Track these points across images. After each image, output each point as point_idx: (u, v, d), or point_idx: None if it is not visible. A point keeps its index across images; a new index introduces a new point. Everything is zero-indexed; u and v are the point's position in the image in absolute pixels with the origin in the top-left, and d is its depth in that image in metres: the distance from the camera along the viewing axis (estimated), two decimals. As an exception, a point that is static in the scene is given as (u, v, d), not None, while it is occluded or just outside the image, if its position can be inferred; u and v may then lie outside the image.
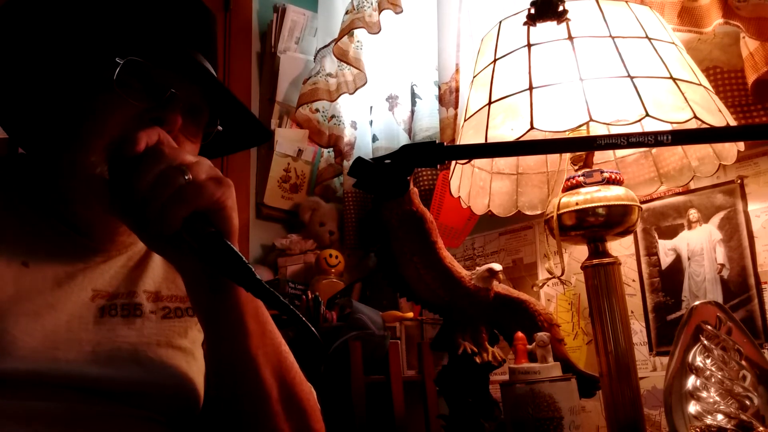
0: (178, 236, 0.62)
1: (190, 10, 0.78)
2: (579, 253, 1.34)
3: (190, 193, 0.61)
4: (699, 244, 1.24)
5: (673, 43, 1.05)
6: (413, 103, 1.82)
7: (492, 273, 1.01)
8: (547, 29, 1.02)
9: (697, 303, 0.98)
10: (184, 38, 0.76)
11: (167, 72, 0.72)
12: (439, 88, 1.65)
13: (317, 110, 2.05)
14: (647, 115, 0.91)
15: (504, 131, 0.99)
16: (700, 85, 1.01)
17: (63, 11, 0.73)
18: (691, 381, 0.93)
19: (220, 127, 0.80)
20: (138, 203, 0.61)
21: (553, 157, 1.25)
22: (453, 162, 1.22)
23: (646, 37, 1.02)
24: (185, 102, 0.72)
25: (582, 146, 0.91)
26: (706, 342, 0.93)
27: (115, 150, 0.66)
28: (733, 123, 1.01)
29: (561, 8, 0.96)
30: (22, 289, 0.67)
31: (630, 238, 1.32)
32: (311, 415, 0.76)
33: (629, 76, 0.96)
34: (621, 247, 1.33)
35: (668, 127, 0.93)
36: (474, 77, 1.16)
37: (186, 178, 0.61)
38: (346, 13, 1.86)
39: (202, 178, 0.62)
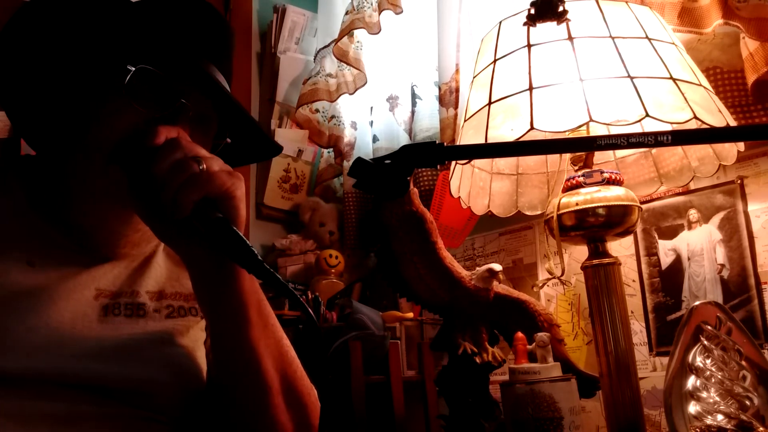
0: (187, 222, 0.65)
1: (206, 20, 0.78)
2: (579, 253, 1.34)
3: (203, 180, 0.64)
4: (699, 244, 1.24)
5: (673, 43, 1.05)
6: (414, 104, 1.82)
7: (492, 273, 1.01)
8: (547, 29, 1.02)
9: (697, 303, 0.98)
10: (198, 49, 0.76)
11: (178, 82, 0.72)
12: (440, 89, 1.65)
13: (317, 110, 2.05)
14: (647, 115, 0.91)
15: (504, 131, 0.99)
16: (700, 85, 1.01)
17: (78, 17, 0.74)
18: (691, 381, 0.93)
19: (228, 140, 0.81)
20: (153, 189, 0.65)
21: (553, 158, 1.25)
22: (453, 162, 1.22)
23: (646, 37, 1.02)
24: (194, 112, 0.73)
25: (582, 146, 0.91)
26: (706, 342, 0.93)
27: (135, 140, 0.68)
28: (733, 123, 1.01)
29: (561, 8, 0.96)
30: (27, 288, 0.68)
31: (630, 238, 1.32)
32: (311, 410, 0.77)
33: (629, 76, 0.96)
34: (621, 248, 1.34)
35: (668, 128, 0.93)
36: (474, 77, 1.16)
37: (200, 167, 0.64)
38: (346, 13, 1.86)
39: (215, 169, 0.65)
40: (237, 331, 0.70)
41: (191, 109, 0.72)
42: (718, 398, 0.90)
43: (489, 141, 1.00)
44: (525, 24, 1.00)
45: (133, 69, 0.70)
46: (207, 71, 0.74)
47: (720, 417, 0.89)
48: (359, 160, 0.75)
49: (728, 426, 0.87)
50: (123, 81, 0.69)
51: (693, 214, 1.26)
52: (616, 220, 1.04)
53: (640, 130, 1.04)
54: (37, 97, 0.76)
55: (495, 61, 1.09)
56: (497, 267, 1.02)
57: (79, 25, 0.74)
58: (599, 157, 1.22)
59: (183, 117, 0.71)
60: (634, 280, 1.33)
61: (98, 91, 0.72)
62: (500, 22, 1.13)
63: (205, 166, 0.65)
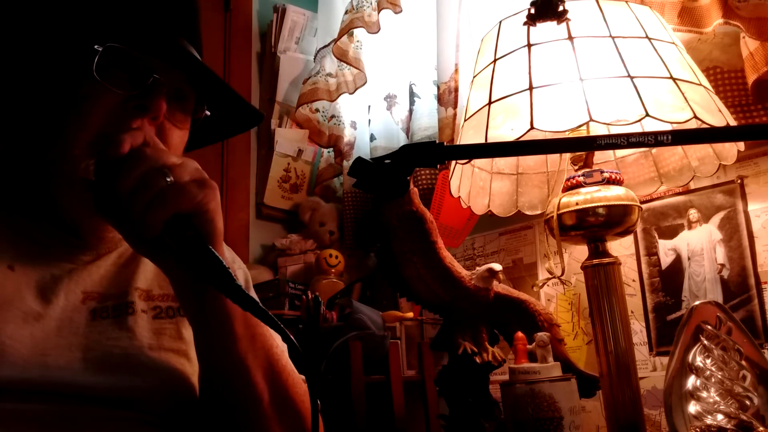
0: (161, 239, 0.60)
1: None
2: (579, 253, 1.34)
3: (171, 196, 0.59)
4: (699, 244, 1.24)
5: (673, 43, 1.05)
6: (411, 103, 1.82)
7: (492, 273, 1.01)
8: (547, 29, 1.01)
9: (697, 303, 0.98)
10: (166, 22, 0.73)
11: (149, 58, 0.70)
12: (438, 88, 1.65)
13: (317, 110, 2.05)
14: (647, 115, 0.91)
15: (504, 131, 0.99)
16: (700, 85, 1.00)
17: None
18: (691, 381, 0.92)
19: (207, 112, 0.78)
20: (120, 207, 0.60)
21: (553, 157, 1.25)
22: (453, 162, 1.22)
23: (646, 37, 1.02)
24: (169, 88, 0.71)
25: (582, 146, 0.91)
26: (706, 342, 0.93)
27: (100, 152, 0.64)
28: (733, 123, 1.01)
29: (561, 8, 0.96)
30: (8, 294, 0.66)
31: (630, 238, 1.32)
32: (305, 416, 0.75)
33: (629, 76, 0.96)
34: (621, 247, 1.33)
35: (668, 127, 0.93)
36: (474, 77, 1.16)
37: (167, 180, 0.60)
38: (346, 12, 1.86)
39: (185, 180, 0.61)
40: (223, 346, 0.67)
41: (165, 83, 0.69)
42: (718, 398, 0.90)
43: (489, 141, 1.00)
44: (525, 24, 1.00)
45: (101, 48, 0.67)
46: (177, 43, 0.72)
47: (720, 417, 0.89)
48: (359, 159, 0.74)
49: (728, 426, 0.87)
50: (92, 63, 0.66)
51: (693, 213, 1.26)
52: (616, 219, 1.04)
53: (640, 130, 1.04)
54: (6, 89, 0.73)
55: (495, 60, 1.09)
56: (497, 267, 1.02)
57: (41, 8, 0.71)
58: (599, 156, 1.22)
59: (158, 92, 0.68)
60: (634, 280, 1.33)
61: (69, 76, 0.69)
62: (500, 22, 1.13)
63: (172, 178, 0.60)
